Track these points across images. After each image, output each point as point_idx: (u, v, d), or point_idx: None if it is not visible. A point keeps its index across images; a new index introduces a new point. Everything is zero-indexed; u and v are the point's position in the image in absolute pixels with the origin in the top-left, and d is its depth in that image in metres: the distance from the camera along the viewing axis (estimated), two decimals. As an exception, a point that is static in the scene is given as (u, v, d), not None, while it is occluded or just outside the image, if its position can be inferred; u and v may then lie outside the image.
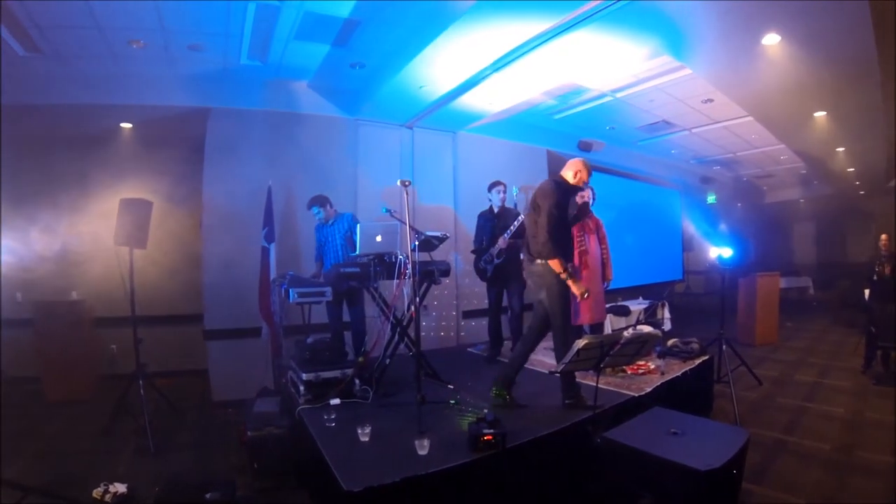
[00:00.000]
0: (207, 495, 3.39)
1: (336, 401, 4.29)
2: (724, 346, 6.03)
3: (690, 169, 13.09)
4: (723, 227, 9.81)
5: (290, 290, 4.71)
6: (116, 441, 4.89)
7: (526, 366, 4.47)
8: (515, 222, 5.75)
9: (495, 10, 4.23)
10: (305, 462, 3.85)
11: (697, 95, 7.60)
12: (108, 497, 3.63)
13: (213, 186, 6.27)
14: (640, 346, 3.81)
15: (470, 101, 6.44)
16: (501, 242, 5.77)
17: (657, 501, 2.94)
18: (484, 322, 6.71)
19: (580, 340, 3.40)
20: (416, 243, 4.47)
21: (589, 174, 4.28)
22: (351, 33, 5.31)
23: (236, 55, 5.76)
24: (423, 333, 4.79)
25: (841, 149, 9.79)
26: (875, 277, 7.73)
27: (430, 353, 5.67)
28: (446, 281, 6.02)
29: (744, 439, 3.20)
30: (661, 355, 5.41)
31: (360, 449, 3.42)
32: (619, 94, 7.55)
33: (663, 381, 4.83)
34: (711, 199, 14.44)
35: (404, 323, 5.09)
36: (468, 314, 7.83)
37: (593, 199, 5.73)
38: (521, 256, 5.83)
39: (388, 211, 4.54)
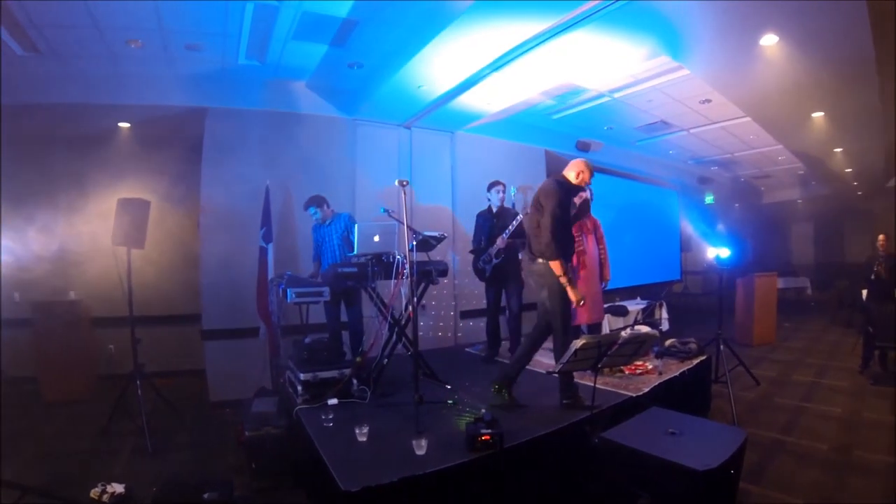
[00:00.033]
0: (205, 495, 3.39)
1: (334, 401, 4.28)
2: (721, 347, 6.04)
3: (688, 169, 13.10)
4: (720, 227, 9.79)
5: (288, 290, 4.71)
6: (114, 441, 4.89)
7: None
8: (514, 222, 5.75)
9: (493, 10, 4.23)
10: (303, 462, 3.84)
11: (695, 96, 7.61)
12: (105, 497, 3.62)
13: (211, 186, 6.26)
14: (638, 347, 3.81)
15: (468, 101, 6.44)
16: (500, 242, 5.77)
17: (655, 501, 2.94)
18: (481, 322, 6.71)
19: (577, 340, 3.40)
20: (414, 243, 4.47)
21: (591, 175, 4.29)
22: (349, 33, 5.31)
23: (234, 55, 5.75)
24: (420, 333, 4.80)
25: (839, 149, 9.81)
26: (873, 277, 7.76)
27: (428, 353, 5.66)
28: (444, 281, 6.02)
29: (741, 439, 3.21)
30: (658, 355, 5.41)
31: (358, 449, 3.41)
32: (617, 95, 7.55)
33: (661, 381, 4.83)
34: (709, 199, 14.44)
35: (402, 323, 5.09)
36: (466, 314, 7.83)
37: (591, 198, 5.73)
38: (520, 256, 5.86)
39: (385, 211, 4.53)
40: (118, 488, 3.69)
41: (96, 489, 3.65)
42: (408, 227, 4.17)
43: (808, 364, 7.65)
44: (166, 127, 6.65)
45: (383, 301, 5.08)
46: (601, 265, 5.80)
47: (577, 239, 5.18)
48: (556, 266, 4.02)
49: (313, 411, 4.11)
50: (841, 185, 13.95)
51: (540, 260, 4.13)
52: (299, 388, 4.40)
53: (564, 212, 4.13)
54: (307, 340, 4.81)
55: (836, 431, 4.97)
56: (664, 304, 8.62)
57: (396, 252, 4.83)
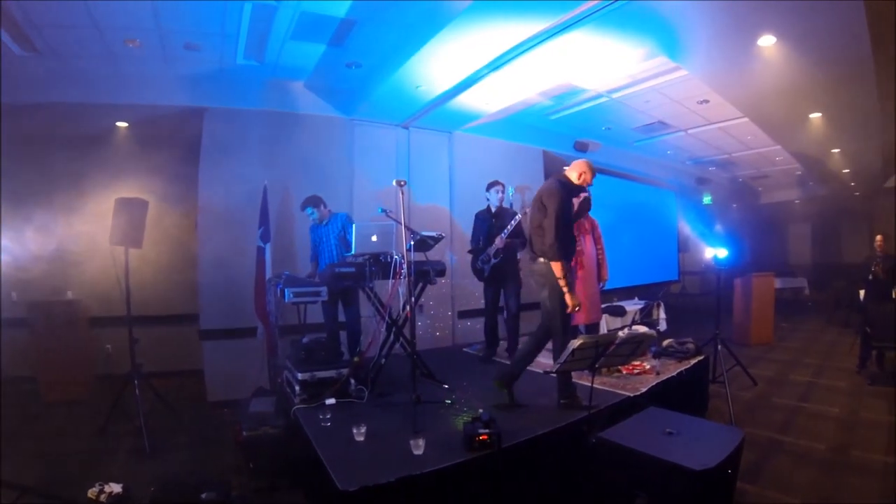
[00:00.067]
0: (203, 495, 3.39)
1: (331, 400, 4.28)
2: (719, 346, 6.05)
3: (686, 170, 13.12)
4: (718, 227, 9.83)
5: (286, 290, 4.71)
6: (112, 441, 4.88)
7: (523, 365, 4.47)
8: (513, 222, 5.75)
9: (492, 11, 4.23)
10: (301, 462, 3.84)
11: (693, 96, 7.61)
12: (103, 497, 3.62)
13: (208, 186, 6.26)
14: (636, 347, 3.81)
15: (466, 100, 6.44)
16: (499, 242, 5.76)
17: (652, 501, 2.94)
18: (479, 322, 6.71)
19: (575, 341, 3.40)
20: (412, 243, 4.47)
21: (593, 176, 4.29)
22: (347, 33, 5.31)
23: (232, 55, 5.75)
24: (418, 333, 4.79)
25: (836, 150, 9.83)
26: (870, 278, 7.78)
27: (426, 353, 5.67)
28: (442, 281, 6.02)
29: (739, 439, 3.22)
30: (656, 355, 5.42)
31: (356, 449, 3.41)
32: (615, 95, 7.55)
33: (658, 381, 4.84)
34: (707, 199, 14.46)
35: (400, 323, 5.09)
36: (464, 314, 7.83)
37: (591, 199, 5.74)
38: (519, 255, 5.87)
39: (383, 211, 4.53)
40: (116, 488, 3.69)
41: (94, 489, 3.65)
42: (405, 227, 4.18)
43: (806, 364, 7.66)
44: (164, 127, 6.63)
45: (381, 301, 5.07)
46: (599, 265, 5.80)
47: (575, 239, 5.19)
48: (556, 268, 4.02)
49: (311, 411, 4.11)
50: (838, 186, 13.98)
51: (541, 259, 4.13)
52: (297, 387, 4.40)
53: (567, 212, 4.14)
54: (305, 340, 4.81)
55: (834, 431, 4.98)
56: (662, 304, 8.64)
57: (394, 252, 4.82)
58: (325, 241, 5.74)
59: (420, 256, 5.04)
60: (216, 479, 3.78)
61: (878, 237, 7.94)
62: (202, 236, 6.26)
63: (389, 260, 4.81)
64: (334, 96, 6.92)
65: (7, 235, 5.74)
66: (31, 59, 5.37)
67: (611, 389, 4.59)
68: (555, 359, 3.96)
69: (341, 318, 5.70)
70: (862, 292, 8.02)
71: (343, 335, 5.68)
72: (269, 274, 5.95)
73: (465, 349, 6.93)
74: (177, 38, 5.30)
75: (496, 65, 5.30)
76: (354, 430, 3.53)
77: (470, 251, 6.18)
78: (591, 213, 5.70)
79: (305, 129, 6.77)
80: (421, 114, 6.91)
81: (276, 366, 5.62)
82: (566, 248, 4.11)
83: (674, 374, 5.08)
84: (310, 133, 6.80)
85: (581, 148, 9.66)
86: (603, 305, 6.39)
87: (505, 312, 6.09)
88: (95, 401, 5.78)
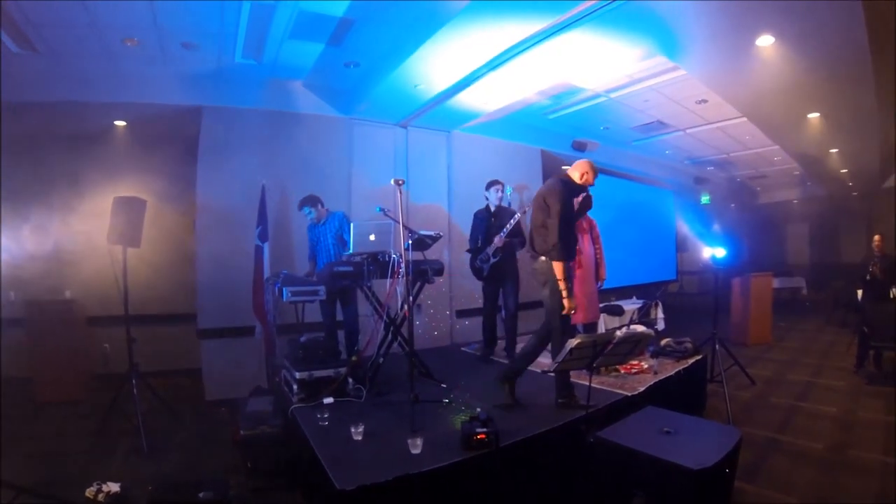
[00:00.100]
0: (201, 494, 3.38)
1: (329, 400, 4.28)
2: (717, 346, 6.05)
3: (684, 169, 13.14)
4: (716, 227, 9.82)
5: (284, 289, 4.71)
6: (109, 440, 4.86)
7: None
8: (512, 221, 5.75)
9: (490, 10, 4.24)
10: (298, 461, 3.84)
11: (692, 96, 7.63)
12: (101, 496, 3.62)
13: (206, 185, 6.26)
14: (634, 346, 3.81)
15: (464, 100, 6.44)
16: (497, 241, 5.76)
17: (650, 500, 2.94)
18: (477, 321, 6.71)
19: (573, 340, 3.41)
20: (410, 242, 4.47)
21: (595, 176, 4.30)
22: (346, 32, 5.31)
23: (231, 54, 5.75)
24: (416, 332, 4.79)
25: (834, 150, 9.84)
26: (868, 278, 7.78)
27: (424, 352, 5.66)
28: (440, 280, 6.02)
29: (736, 438, 3.21)
30: (654, 355, 5.42)
31: (353, 448, 3.41)
32: (613, 95, 7.56)
33: (656, 380, 4.84)
34: (705, 199, 14.45)
35: (398, 322, 5.09)
36: (462, 313, 7.83)
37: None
38: (517, 254, 5.87)
39: (381, 210, 4.53)
40: (114, 487, 3.69)
41: (92, 488, 3.66)
42: (403, 226, 4.18)
43: (804, 364, 7.67)
44: (163, 126, 6.63)
45: (379, 300, 5.07)
46: (597, 265, 5.80)
47: (577, 239, 5.20)
48: (558, 268, 4.02)
49: (309, 410, 4.11)
50: (837, 186, 14.00)
51: (542, 258, 4.14)
52: (295, 386, 4.40)
53: (569, 212, 4.14)
54: (303, 339, 4.81)
55: (831, 431, 4.99)
56: (660, 303, 8.65)
57: (392, 251, 4.83)
58: (323, 240, 5.74)
59: (418, 255, 5.03)
60: (214, 479, 3.76)
61: (877, 237, 7.94)
62: (200, 235, 6.27)
63: (387, 259, 4.81)
64: (332, 95, 6.91)
65: (4, 234, 5.74)
66: (28, 57, 5.36)
67: (609, 389, 4.59)
68: (553, 358, 3.97)
69: (339, 317, 5.70)
70: (860, 292, 8.04)
71: (341, 334, 5.68)
72: (267, 273, 5.95)
73: (463, 348, 6.93)
74: (175, 36, 5.30)
75: (494, 64, 5.30)
76: (352, 430, 3.53)
77: (469, 250, 6.18)
78: (589, 213, 5.72)
79: (303, 128, 6.77)
80: (419, 113, 6.91)
81: (274, 365, 5.63)
82: (569, 248, 4.11)
83: (672, 373, 5.08)
84: (308, 132, 6.80)
85: (579, 147, 9.67)
86: (601, 305, 6.39)
87: (503, 312, 6.09)
88: (93, 400, 5.77)
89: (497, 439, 3.28)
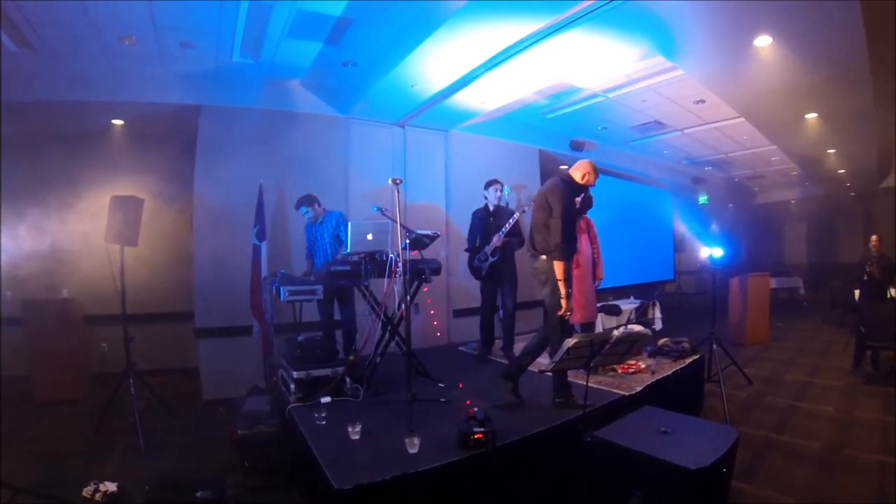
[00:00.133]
0: (198, 494, 3.38)
1: (326, 399, 4.28)
2: (714, 346, 6.06)
3: (682, 169, 13.15)
4: (714, 227, 9.86)
5: (281, 289, 4.71)
6: (107, 440, 4.86)
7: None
8: (510, 220, 5.76)
9: (488, 10, 4.24)
10: (296, 460, 3.84)
11: (689, 96, 7.64)
12: (98, 496, 3.61)
13: (204, 184, 6.25)
14: (631, 345, 3.81)
15: (462, 99, 6.45)
16: (496, 241, 5.76)
17: (647, 500, 2.95)
18: (475, 321, 6.71)
19: (570, 339, 3.41)
20: (407, 242, 4.47)
21: (596, 177, 4.32)
22: (344, 31, 5.30)
23: (228, 53, 5.74)
24: (413, 332, 4.79)
25: (832, 150, 9.85)
26: (865, 278, 7.80)
27: (421, 352, 5.67)
28: (437, 279, 6.02)
29: (733, 438, 3.22)
30: (651, 354, 5.43)
31: (351, 447, 3.41)
32: (611, 94, 7.57)
33: (654, 380, 4.85)
34: (703, 199, 14.50)
35: (395, 321, 5.08)
36: (459, 313, 7.83)
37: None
38: (516, 254, 5.86)
39: (379, 209, 4.53)
40: (111, 487, 3.68)
41: (89, 488, 3.64)
42: (401, 225, 4.18)
43: (801, 363, 7.68)
44: (160, 124, 6.62)
45: (376, 299, 5.07)
46: (594, 264, 5.80)
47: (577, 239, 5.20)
48: (559, 268, 4.03)
49: (306, 409, 4.11)
50: (834, 186, 14.03)
51: (542, 257, 4.14)
52: (292, 386, 4.40)
53: (571, 212, 4.15)
54: (300, 339, 4.80)
55: (828, 430, 4.99)
56: (657, 303, 8.65)
57: (390, 250, 4.83)
58: (320, 239, 5.74)
59: (416, 255, 5.03)
60: (211, 478, 3.76)
61: (874, 237, 7.97)
62: (198, 234, 6.26)
63: (385, 258, 4.81)
64: (330, 95, 6.91)
65: (2, 233, 5.72)
66: (26, 56, 5.34)
67: (606, 388, 4.59)
68: (551, 357, 3.97)
69: (337, 316, 5.70)
70: (857, 292, 8.06)
71: (339, 333, 5.67)
72: (264, 272, 5.93)
73: (460, 348, 6.93)
74: (173, 35, 5.29)
75: (492, 63, 5.30)
76: (350, 429, 3.53)
77: (467, 249, 6.18)
78: (587, 213, 5.72)
79: (301, 127, 6.77)
80: (417, 112, 6.91)
81: (272, 364, 5.62)
82: (570, 248, 4.12)
83: (669, 373, 5.09)
84: (306, 131, 6.79)
85: (577, 147, 9.67)
86: (598, 304, 6.39)
87: (501, 311, 6.09)
88: (90, 399, 5.77)
89: (494, 439, 3.28)
